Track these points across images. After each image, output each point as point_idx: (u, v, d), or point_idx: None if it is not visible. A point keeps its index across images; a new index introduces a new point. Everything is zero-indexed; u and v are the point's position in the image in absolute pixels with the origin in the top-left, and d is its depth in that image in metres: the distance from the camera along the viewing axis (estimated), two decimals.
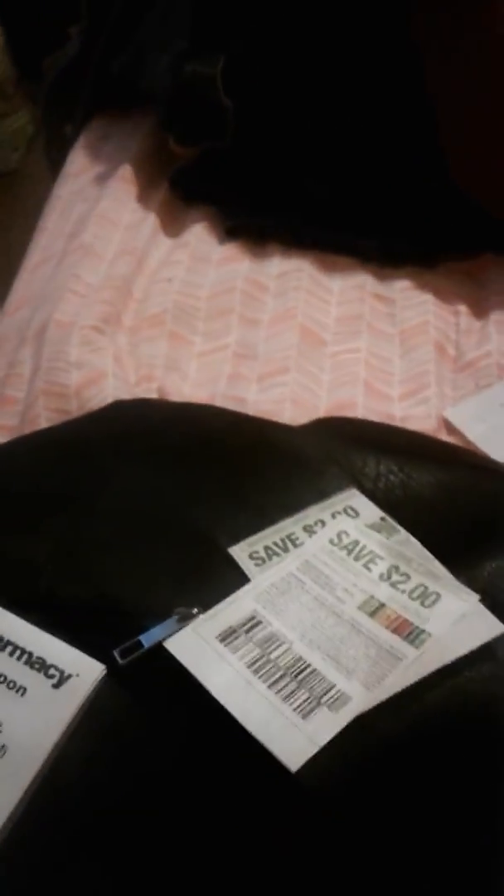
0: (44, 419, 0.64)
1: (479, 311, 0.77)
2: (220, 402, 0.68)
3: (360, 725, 0.38)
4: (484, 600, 0.42)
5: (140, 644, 0.40)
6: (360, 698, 0.38)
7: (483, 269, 0.80)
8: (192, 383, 0.71)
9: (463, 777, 0.38)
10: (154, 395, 0.69)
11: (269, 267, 0.80)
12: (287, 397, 0.70)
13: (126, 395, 0.66)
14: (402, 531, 0.46)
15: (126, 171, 0.88)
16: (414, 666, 0.39)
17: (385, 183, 0.82)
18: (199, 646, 0.40)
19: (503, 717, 0.39)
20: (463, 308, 0.78)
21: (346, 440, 0.55)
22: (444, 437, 0.70)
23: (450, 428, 0.70)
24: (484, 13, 0.73)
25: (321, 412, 0.70)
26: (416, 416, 0.70)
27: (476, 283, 0.79)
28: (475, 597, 0.42)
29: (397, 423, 0.70)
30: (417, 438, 0.60)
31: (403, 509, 0.48)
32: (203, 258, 0.81)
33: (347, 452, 0.52)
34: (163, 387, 0.70)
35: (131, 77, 0.88)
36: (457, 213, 0.81)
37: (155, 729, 0.38)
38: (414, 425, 0.69)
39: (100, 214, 0.83)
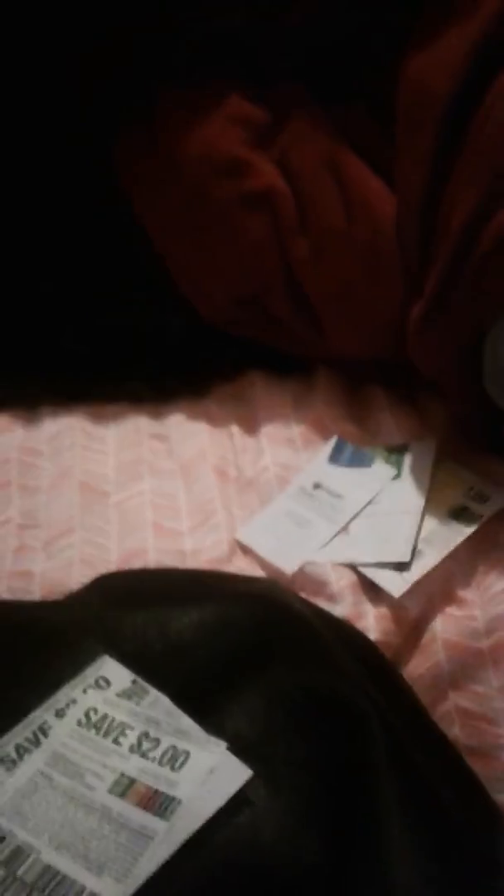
0: None
1: (250, 428, 0.79)
2: (6, 581, 0.67)
3: None
4: (232, 746, 0.41)
5: None
6: (111, 895, 0.36)
7: (249, 387, 0.83)
8: None
9: None
10: None
11: (41, 431, 0.80)
12: (76, 559, 0.69)
13: None
14: (152, 692, 0.45)
15: None
16: (165, 841, 0.37)
17: (140, 325, 0.84)
18: None
19: (268, 865, 0.37)
20: (236, 429, 0.80)
21: (108, 601, 0.54)
22: (240, 559, 0.70)
23: (243, 549, 0.71)
24: (176, 134, 0.78)
25: (113, 566, 0.69)
26: (206, 546, 0.70)
27: (245, 402, 0.82)
28: (222, 745, 0.41)
29: (188, 557, 0.70)
30: (181, 578, 0.59)
31: (161, 663, 0.47)
32: None
33: (105, 615, 0.51)
34: None
35: None
36: (216, 338, 0.84)
37: None
38: (206, 556, 0.69)
39: None
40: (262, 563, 0.69)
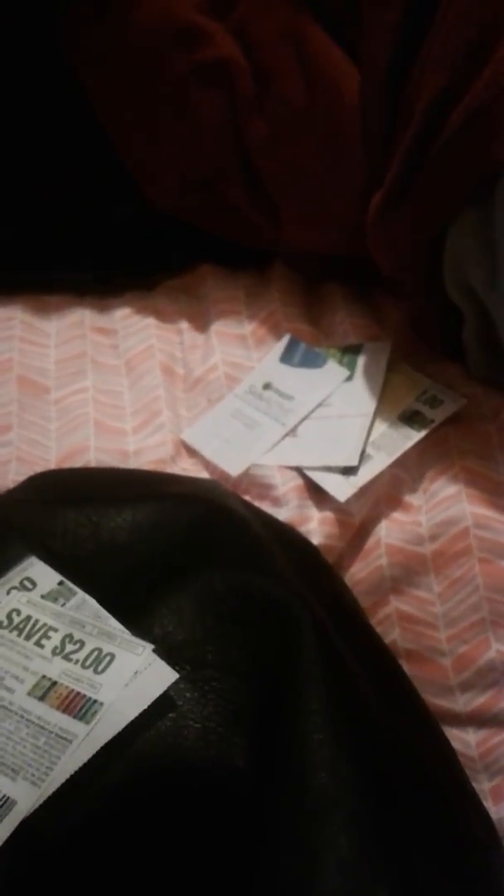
0: None
1: (201, 324, 0.76)
2: None
3: (26, 829, 0.34)
4: (158, 649, 0.40)
5: None
6: (27, 798, 0.35)
7: (201, 282, 0.78)
8: None
9: (156, 850, 0.35)
10: None
11: None
12: (13, 457, 0.66)
13: None
14: (80, 593, 0.43)
15: None
16: (84, 744, 0.36)
17: (86, 213, 0.79)
18: None
19: (191, 768, 0.36)
20: (185, 325, 0.76)
21: (42, 499, 0.51)
22: (184, 460, 0.68)
23: (189, 450, 0.69)
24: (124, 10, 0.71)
25: (52, 465, 0.67)
26: (150, 446, 0.68)
27: (195, 297, 0.78)
28: (148, 648, 0.40)
29: (131, 457, 0.67)
30: (120, 477, 0.57)
31: (93, 563, 0.45)
32: None
33: (36, 513, 0.49)
34: None
35: None
36: (166, 228, 0.79)
37: None
38: (149, 456, 0.67)
39: None
40: (208, 464, 0.67)
